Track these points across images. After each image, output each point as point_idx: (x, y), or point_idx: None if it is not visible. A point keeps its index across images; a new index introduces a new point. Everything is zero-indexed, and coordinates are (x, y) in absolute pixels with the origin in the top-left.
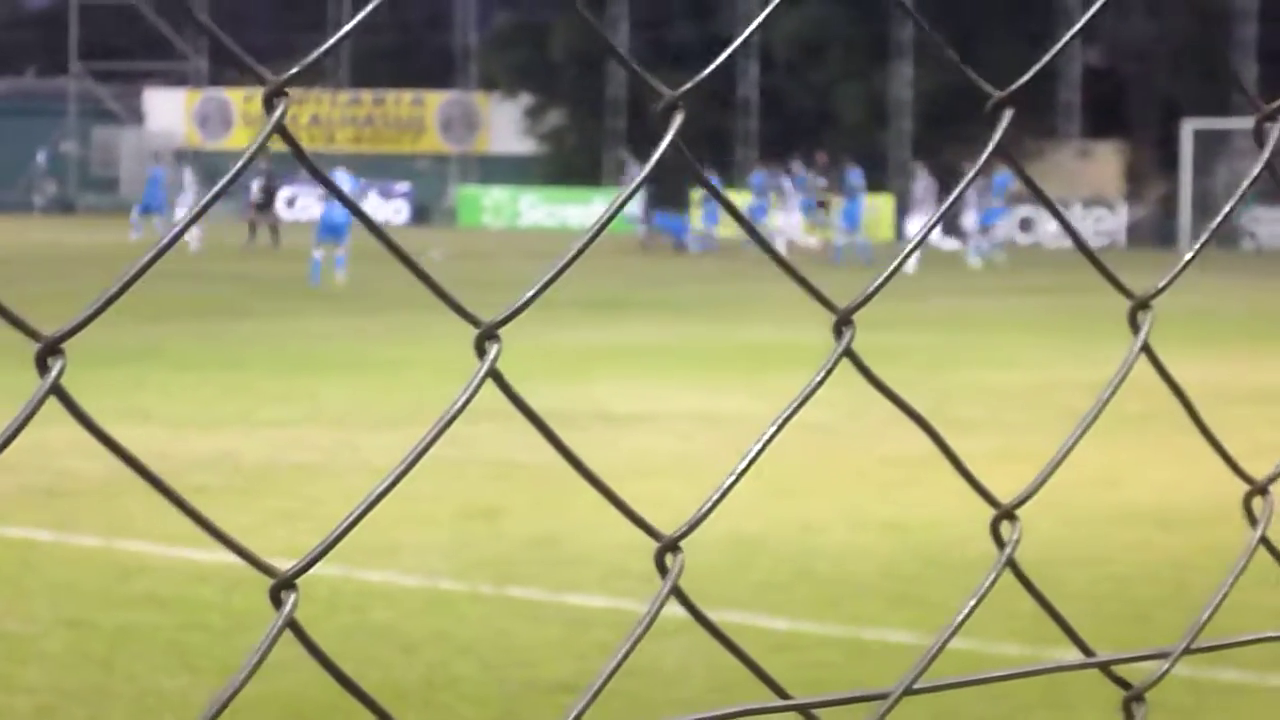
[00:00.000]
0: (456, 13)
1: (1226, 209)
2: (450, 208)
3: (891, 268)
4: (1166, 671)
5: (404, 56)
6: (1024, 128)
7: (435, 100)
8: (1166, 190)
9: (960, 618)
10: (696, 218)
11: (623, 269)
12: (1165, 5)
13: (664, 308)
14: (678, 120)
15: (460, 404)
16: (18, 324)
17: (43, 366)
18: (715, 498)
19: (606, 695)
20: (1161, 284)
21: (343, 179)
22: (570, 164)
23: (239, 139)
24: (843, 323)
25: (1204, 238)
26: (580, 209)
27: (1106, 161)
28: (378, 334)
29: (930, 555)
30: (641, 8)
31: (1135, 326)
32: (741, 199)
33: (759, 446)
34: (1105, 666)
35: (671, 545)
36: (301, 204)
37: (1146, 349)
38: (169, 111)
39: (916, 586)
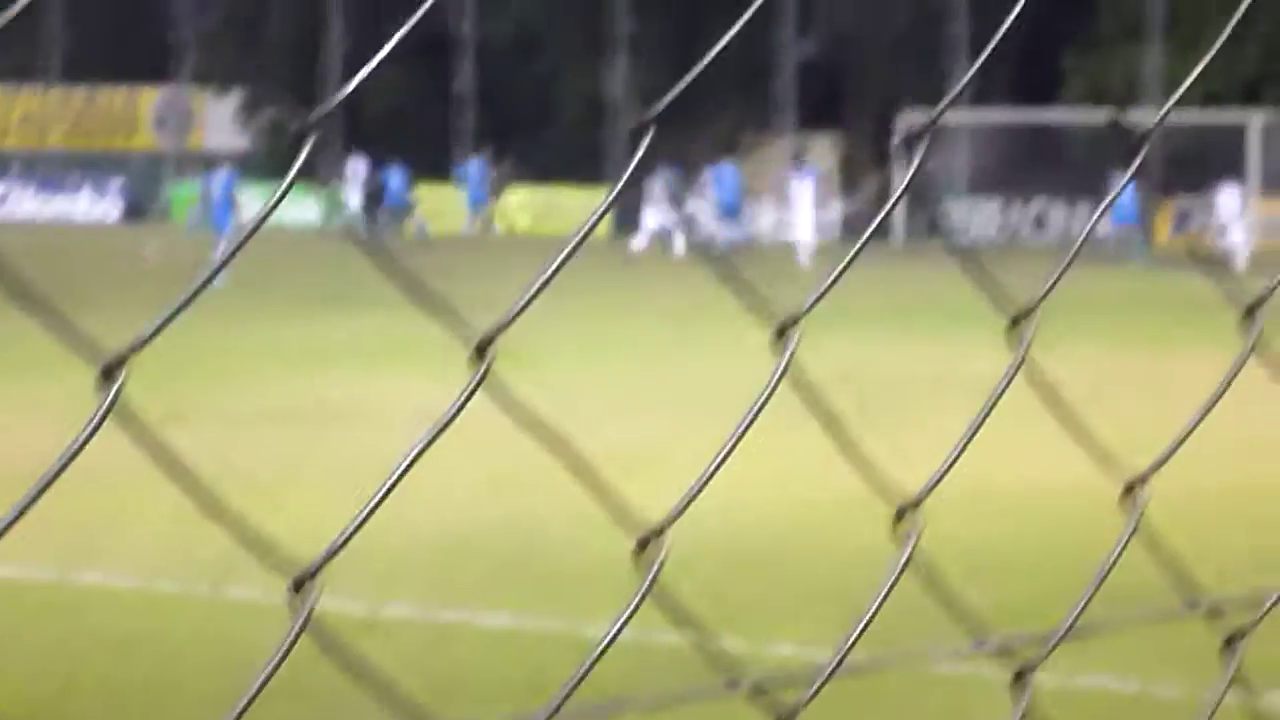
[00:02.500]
0: (170, 5)
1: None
2: (164, 205)
3: (838, 271)
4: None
5: (117, 50)
6: (740, 122)
7: (149, 96)
8: (881, 183)
9: (866, 617)
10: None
11: (350, 263)
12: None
13: (388, 303)
14: (646, 139)
15: (458, 406)
16: (77, 341)
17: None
18: (693, 490)
19: (327, 697)
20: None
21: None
22: (288, 159)
23: None
24: (788, 325)
25: (1072, 254)
26: (298, 204)
27: (822, 154)
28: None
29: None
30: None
31: (1018, 340)
32: (456, 193)
33: (731, 444)
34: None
35: (657, 533)
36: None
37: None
38: None
39: (636, 580)
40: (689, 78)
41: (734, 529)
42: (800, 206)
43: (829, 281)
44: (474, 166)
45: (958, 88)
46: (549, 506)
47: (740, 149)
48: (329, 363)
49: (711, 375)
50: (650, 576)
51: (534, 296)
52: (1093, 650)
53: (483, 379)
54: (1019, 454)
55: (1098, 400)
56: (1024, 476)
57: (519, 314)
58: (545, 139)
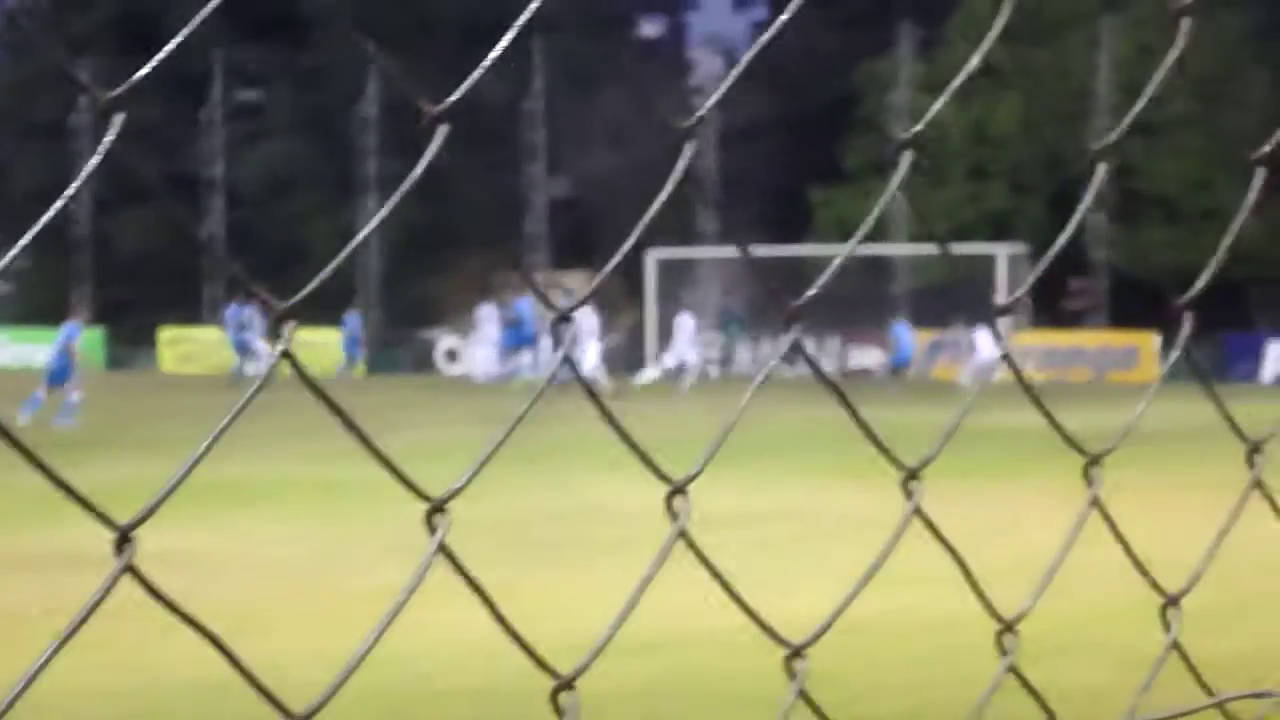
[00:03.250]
0: None
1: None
2: None
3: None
4: None
5: None
6: (491, 261)
7: None
8: (635, 319)
9: None
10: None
11: (97, 406)
12: (632, 137)
13: (146, 446)
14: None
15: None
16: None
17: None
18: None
19: None
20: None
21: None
22: (37, 303)
23: None
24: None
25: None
26: (49, 349)
27: (576, 291)
28: None
29: (402, 690)
30: None
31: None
32: (213, 333)
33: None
34: None
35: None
36: None
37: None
38: None
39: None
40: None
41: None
42: (681, 339)
43: (722, 434)
44: (233, 311)
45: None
46: (288, 649)
47: (494, 288)
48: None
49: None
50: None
51: (495, 450)
52: None
53: (435, 551)
54: (889, 587)
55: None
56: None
57: (471, 479)
58: (299, 279)
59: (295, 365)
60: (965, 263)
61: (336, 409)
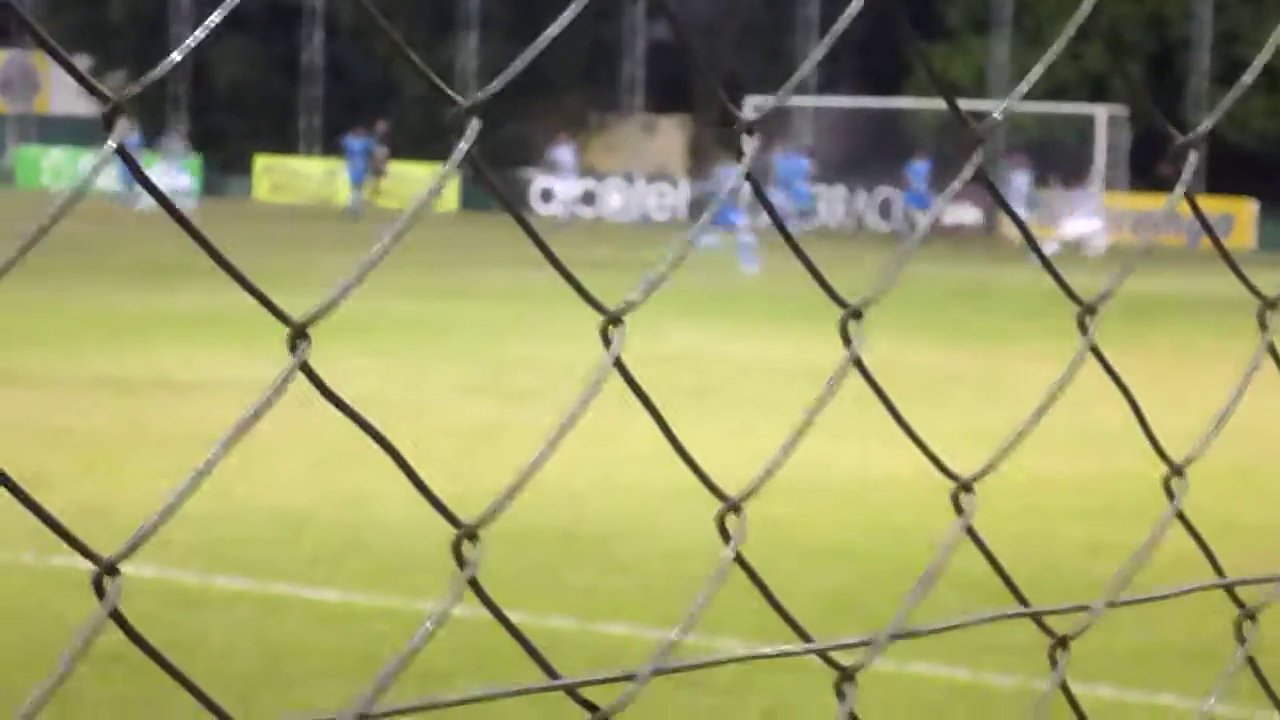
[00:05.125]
0: None
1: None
2: (8, 168)
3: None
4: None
5: None
6: (588, 102)
7: None
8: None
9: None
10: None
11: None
12: None
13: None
14: (472, 129)
15: (273, 391)
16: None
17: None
18: (519, 481)
19: (157, 670)
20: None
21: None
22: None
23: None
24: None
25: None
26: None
27: (670, 136)
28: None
29: (489, 529)
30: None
31: (845, 338)
32: (307, 163)
33: (558, 432)
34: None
35: (471, 534)
36: None
37: (859, 363)
38: None
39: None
40: (516, 66)
41: (569, 512)
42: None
43: (666, 269)
44: (357, 143)
45: (802, 70)
46: (380, 484)
47: (589, 128)
48: (159, 334)
49: (547, 357)
50: (467, 572)
51: (359, 278)
52: (922, 640)
53: (295, 369)
54: (856, 443)
55: (934, 394)
56: (860, 465)
57: (341, 296)
58: (392, 114)
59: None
60: (1062, 122)
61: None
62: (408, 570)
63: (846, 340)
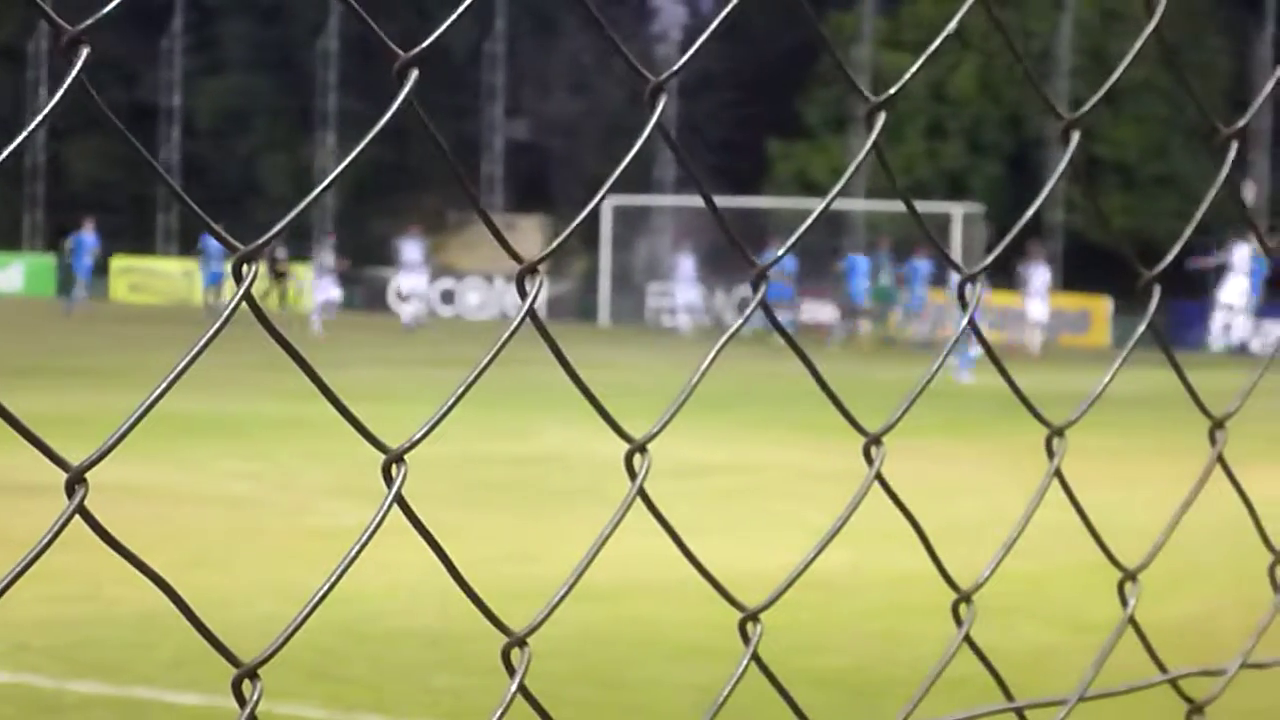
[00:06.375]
0: None
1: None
2: None
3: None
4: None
5: None
6: (447, 200)
7: None
8: (589, 265)
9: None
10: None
11: (41, 334)
12: (593, 83)
13: (85, 374)
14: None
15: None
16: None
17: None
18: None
19: None
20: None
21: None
22: None
23: None
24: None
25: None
26: (0, 273)
27: (530, 235)
28: None
29: (347, 628)
30: None
31: (867, 459)
32: (164, 263)
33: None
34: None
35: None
36: None
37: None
38: None
39: (332, 660)
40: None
41: (435, 612)
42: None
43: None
44: (88, 238)
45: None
46: (249, 583)
47: (448, 227)
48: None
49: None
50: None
51: (451, 404)
52: None
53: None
54: (717, 539)
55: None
56: (727, 562)
57: (424, 435)
58: (255, 213)
59: (254, 309)
60: (922, 221)
61: (298, 356)
62: (270, 670)
63: (869, 461)
